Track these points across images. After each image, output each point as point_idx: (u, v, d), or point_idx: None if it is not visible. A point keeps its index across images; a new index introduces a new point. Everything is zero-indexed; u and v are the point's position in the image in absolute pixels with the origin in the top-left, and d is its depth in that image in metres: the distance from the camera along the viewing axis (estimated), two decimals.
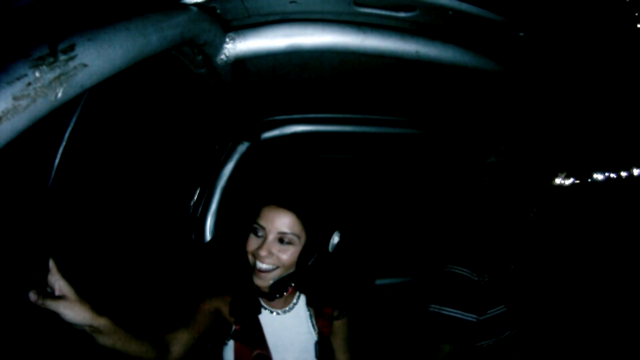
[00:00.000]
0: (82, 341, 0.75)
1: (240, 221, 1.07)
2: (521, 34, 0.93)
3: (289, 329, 1.12)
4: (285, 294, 1.10)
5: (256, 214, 1.02)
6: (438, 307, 1.34)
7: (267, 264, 0.99)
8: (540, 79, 1.21)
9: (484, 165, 1.44)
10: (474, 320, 1.31)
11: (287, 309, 1.13)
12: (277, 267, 1.01)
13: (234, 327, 1.10)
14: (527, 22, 0.89)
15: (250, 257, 1.02)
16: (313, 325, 1.13)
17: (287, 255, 1.00)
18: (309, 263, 1.04)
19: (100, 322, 0.74)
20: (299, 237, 1.00)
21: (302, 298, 1.16)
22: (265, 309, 1.12)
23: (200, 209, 1.98)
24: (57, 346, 0.87)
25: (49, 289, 0.72)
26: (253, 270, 1.02)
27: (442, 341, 1.31)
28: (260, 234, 1.01)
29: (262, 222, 1.00)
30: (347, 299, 1.18)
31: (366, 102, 1.62)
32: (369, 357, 2.13)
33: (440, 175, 2.56)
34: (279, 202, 1.01)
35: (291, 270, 1.03)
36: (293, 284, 1.10)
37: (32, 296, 0.66)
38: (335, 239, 1.07)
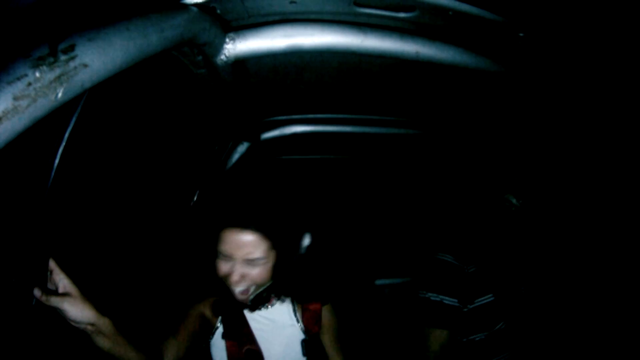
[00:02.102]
0: (82, 341, 0.75)
1: (204, 245, 1.03)
2: (521, 34, 0.93)
3: (273, 321, 1.12)
4: (268, 302, 1.11)
5: (218, 238, 0.97)
6: (424, 292, 1.38)
7: (241, 286, 0.98)
8: (540, 80, 1.22)
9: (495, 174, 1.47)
10: (458, 305, 1.34)
11: (269, 303, 1.13)
12: (252, 285, 1.00)
13: (220, 327, 1.11)
14: (527, 23, 0.89)
15: (224, 280, 1.01)
16: (297, 320, 1.13)
17: (259, 272, 0.98)
18: (285, 273, 1.04)
19: (102, 321, 0.74)
20: (267, 256, 0.97)
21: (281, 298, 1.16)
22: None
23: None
24: (58, 346, 0.87)
25: (52, 287, 0.72)
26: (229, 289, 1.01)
27: (430, 325, 1.34)
28: (227, 259, 0.97)
29: (227, 248, 0.95)
30: (330, 291, 1.18)
31: (367, 103, 1.62)
32: (368, 357, 2.13)
33: (436, 173, 2.57)
34: (239, 223, 0.95)
35: (268, 283, 1.03)
36: (274, 295, 1.11)
37: (37, 292, 0.66)
38: (306, 241, 1.07)
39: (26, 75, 0.42)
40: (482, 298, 1.38)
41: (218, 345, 1.10)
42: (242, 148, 1.93)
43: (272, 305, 1.13)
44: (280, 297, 1.13)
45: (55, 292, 0.70)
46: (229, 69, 0.96)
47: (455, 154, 2.23)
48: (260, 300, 1.07)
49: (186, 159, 1.79)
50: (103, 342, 0.77)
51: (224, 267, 0.98)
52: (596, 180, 1.72)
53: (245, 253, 0.95)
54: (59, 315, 0.71)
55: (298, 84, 1.32)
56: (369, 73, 1.22)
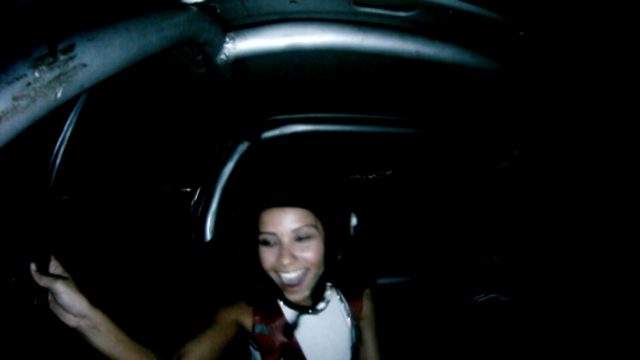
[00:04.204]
0: (82, 341, 0.74)
1: (243, 237, 0.95)
2: (521, 33, 0.93)
3: (326, 329, 1.00)
4: (326, 295, 1.00)
5: (257, 224, 0.89)
6: (483, 295, 1.38)
7: (294, 271, 0.87)
8: (540, 79, 1.21)
9: (497, 170, 1.45)
10: (515, 302, 1.36)
11: (321, 306, 1.00)
12: (308, 270, 0.89)
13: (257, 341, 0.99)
14: (527, 22, 0.89)
15: (272, 274, 0.90)
16: (349, 316, 1.03)
17: (312, 251, 0.87)
18: (339, 254, 0.93)
19: (95, 313, 0.69)
20: (316, 226, 0.87)
21: (335, 289, 1.05)
22: (293, 307, 0.99)
23: (200, 209, 1.98)
24: (58, 346, 0.88)
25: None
26: (282, 287, 0.91)
27: (500, 323, 1.35)
28: (271, 241, 0.88)
29: (269, 228, 0.86)
30: (369, 276, 1.10)
31: (366, 102, 1.62)
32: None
33: (450, 175, 2.57)
34: (277, 202, 0.86)
35: (322, 270, 0.92)
36: (330, 284, 1.01)
37: (33, 268, 0.65)
38: (354, 220, 0.95)
39: (25, 75, 0.42)
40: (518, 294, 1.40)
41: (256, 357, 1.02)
42: (242, 147, 1.93)
43: (324, 306, 1.01)
44: (336, 286, 1.03)
45: (50, 274, 0.68)
46: (229, 68, 0.96)
47: (464, 153, 2.22)
48: (319, 294, 0.97)
49: (186, 158, 1.79)
50: (102, 341, 0.71)
51: (269, 255, 0.87)
52: (597, 179, 1.72)
53: (289, 223, 0.85)
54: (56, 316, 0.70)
55: (298, 84, 1.32)
56: (369, 72, 1.22)
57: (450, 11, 0.84)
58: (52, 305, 0.69)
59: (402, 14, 0.86)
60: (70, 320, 0.69)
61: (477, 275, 1.41)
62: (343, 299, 1.05)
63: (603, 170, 1.68)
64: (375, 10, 0.86)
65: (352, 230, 0.95)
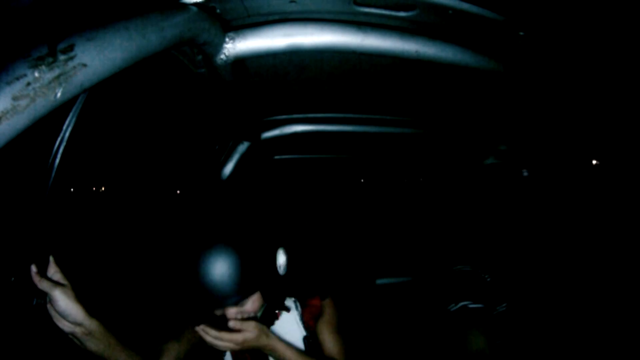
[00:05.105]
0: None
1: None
2: (521, 33, 0.93)
3: (283, 335, 1.07)
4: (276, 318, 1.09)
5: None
6: (455, 304, 1.36)
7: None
8: (540, 79, 1.21)
9: (481, 167, 1.43)
10: (486, 308, 1.33)
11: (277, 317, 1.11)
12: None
13: None
14: (527, 22, 0.89)
15: None
16: (302, 321, 1.12)
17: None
18: (276, 290, 1.03)
19: (90, 322, 0.72)
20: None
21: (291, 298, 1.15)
22: None
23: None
24: (57, 345, 0.88)
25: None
26: None
27: (470, 330, 1.32)
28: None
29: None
30: (329, 286, 1.18)
31: (366, 102, 1.62)
32: (368, 356, 2.14)
33: (442, 176, 2.56)
34: (211, 309, 0.95)
35: (264, 305, 1.03)
36: (278, 310, 1.09)
37: (33, 270, 0.65)
38: (281, 259, 1.03)
39: (25, 75, 0.42)
40: (500, 307, 1.38)
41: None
42: (242, 147, 1.93)
43: (279, 319, 1.10)
44: (284, 309, 1.11)
45: (49, 279, 0.69)
46: (228, 68, 0.96)
47: (461, 153, 2.22)
48: (268, 319, 1.05)
49: (186, 158, 1.79)
50: (94, 345, 0.74)
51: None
52: (596, 179, 1.72)
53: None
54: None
55: (298, 84, 1.32)
56: (369, 72, 1.22)
57: (450, 11, 0.84)
58: (49, 308, 0.70)
59: (402, 14, 0.86)
60: (65, 326, 0.71)
61: (450, 285, 1.40)
62: (299, 306, 1.13)
63: (597, 172, 1.68)
64: (375, 10, 0.86)
65: (282, 270, 1.03)
